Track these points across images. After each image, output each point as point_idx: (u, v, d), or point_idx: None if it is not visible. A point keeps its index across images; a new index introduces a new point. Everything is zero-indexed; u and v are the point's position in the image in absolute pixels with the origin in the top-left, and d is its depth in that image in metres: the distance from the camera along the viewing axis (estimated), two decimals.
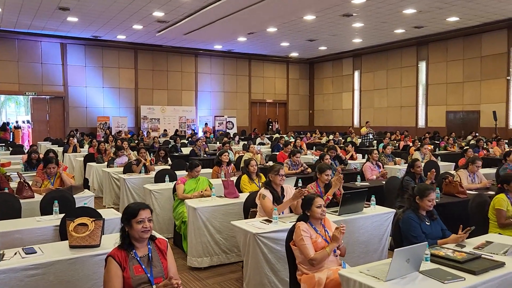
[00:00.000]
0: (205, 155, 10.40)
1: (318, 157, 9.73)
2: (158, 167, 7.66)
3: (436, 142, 14.49)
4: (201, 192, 5.29)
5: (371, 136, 12.97)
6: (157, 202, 5.80)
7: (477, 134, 16.26)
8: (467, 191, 5.23)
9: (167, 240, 2.75)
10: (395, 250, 2.52)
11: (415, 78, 21.59)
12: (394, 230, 3.63)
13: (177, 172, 6.78)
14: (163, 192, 5.85)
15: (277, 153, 9.80)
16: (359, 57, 24.27)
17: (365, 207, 4.40)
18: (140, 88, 21.54)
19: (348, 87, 25.15)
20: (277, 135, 17.73)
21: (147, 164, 7.38)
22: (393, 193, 5.58)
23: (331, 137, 14.80)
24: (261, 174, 5.92)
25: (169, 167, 7.69)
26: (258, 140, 14.12)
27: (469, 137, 15.65)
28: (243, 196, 5.00)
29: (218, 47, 21.56)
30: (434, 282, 2.50)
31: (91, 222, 3.06)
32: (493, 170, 7.42)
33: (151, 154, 10.21)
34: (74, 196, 4.74)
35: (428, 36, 19.68)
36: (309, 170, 7.36)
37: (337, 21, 16.54)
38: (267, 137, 15.54)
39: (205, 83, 23.29)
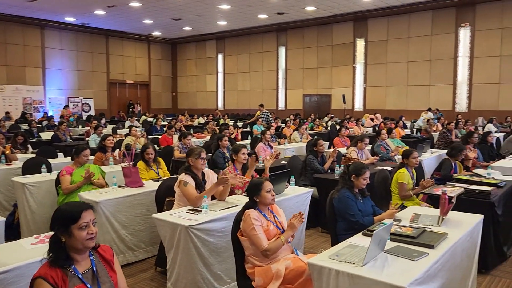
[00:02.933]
0: (71, 140, 9.10)
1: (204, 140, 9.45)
2: (21, 156, 6.34)
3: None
4: (88, 173, 4.45)
5: (265, 118, 13.14)
6: (32, 198, 4.74)
7: (332, 115, 17.89)
8: None
9: (111, 247, 2.14)
10: (374, 232, 2.39)
11: (275, 63, 22.67)
12: (328, 209, 3.57)
13: (51, 161, 5.70)
14: (40, 185, 4.81)
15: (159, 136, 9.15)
16: (222, 40, 24.35)
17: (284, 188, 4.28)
18: None
19: (212, 70, 25.11)
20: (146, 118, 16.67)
21: (6, 152, 6.03)
22: (296, 172, 5.61)
23: (203, 119, 14.52)
24: (160, 159, 5.35)
25: (33, 155, 6.43)
26: (128, 123, 13.01)
27: (326, 118, 17.10)
28: (148, 185, 4.44)
29: (70, 19, 19.12)
30: (405, 260, 2.46)
31: None
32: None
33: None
34: None
35: (287, 23, 20.76)
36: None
37: (204, 0, 16.16)
38: (136, 120, 14.46)
39: (55, 60, 20.50)
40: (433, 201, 4.31)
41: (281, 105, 22.76)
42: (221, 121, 14.87)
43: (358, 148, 6.33)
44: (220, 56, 24.79)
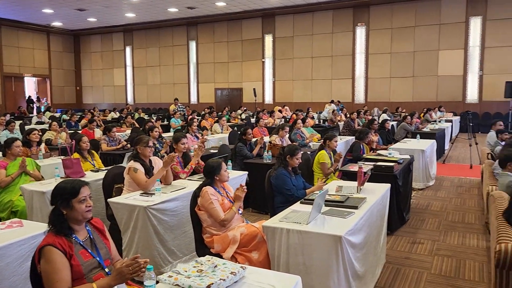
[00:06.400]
0: None
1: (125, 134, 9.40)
2: None
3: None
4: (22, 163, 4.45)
5: (181, 111, 13.35)
6: None
7: (245, 108, 18.59)
8: None
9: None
10: (316, 197, 2.96)
11: (186, 57, 22.73)
12: (267, 186, 4.08)
13: None
14: None
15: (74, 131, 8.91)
16: (130, 33, 23.71)
17: None
18: None
19: (120, 63, 24.33)
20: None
21: None
22: (228, 158, 6.05)
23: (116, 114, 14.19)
24: (94, 152, 5.43)
25: None
26: (35, 119, 12.27)
27: (239, 111, 17.74)
28: (89, 175, 4.56)
29: None
30: (339, 218, 3.06)
31: None
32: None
33: None
34: None
35: (198, 18, 20.97)
36: (129, 145, 7.08)
37: None
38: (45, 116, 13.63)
39: None
40: (348, 177, 5.06)
41: (194, 99, 22.94)
42: (136, 115, 14.69)
43: (279, 136, 6.97)
44: (128, 49, 24.12)
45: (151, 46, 23.43)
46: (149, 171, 4.06)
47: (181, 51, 22.82)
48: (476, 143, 9.46)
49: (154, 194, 3.75)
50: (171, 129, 11.35)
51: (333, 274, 2.75)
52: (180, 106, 13.53)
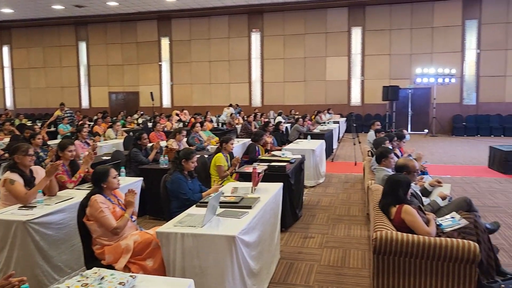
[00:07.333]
0: None
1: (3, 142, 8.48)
2: None
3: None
4: None
5: (69, 116, 12.43)
6: None
7: (142, 112, 18.01)
8: None
9: None
10: (210, 199, 2.97)
11: (75, 58, 21.31)
12: (162, 191, 4.00)
13: None
14: None
15: None
16: (8, 30, 21.50)
17: None
18: None
19: None
20: None
21: None
22: (121, 164, 5.80)
23: None
24: None
25: None
26: None
27: (136, 115, 17.14)
28: None
29: None
30: (233, 219, 3.12)
31: None
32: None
33: None
34: None
35: (87, 17, 19.80)
36: (7, 155, 6.40)
37: None
38: None
39: None
40: (244, 178, 5.19)
41: (85, 103, 21.59)
42: (17, 122, 13.33)
43: (177, 140, 6.88)
44: (5, 49, 21.85)
45: (34, 46, 21.51)
46: (29, 182, 3.71)
47: (69, 52, 21.32)
48: (359, 142, 10.38)
49: (35, 207, 3.44)
50: (59, 136, 10.55)
51: (228, 274, 2.80)
52: (68, 111, 12.63)
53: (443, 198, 4.05)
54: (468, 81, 16.87)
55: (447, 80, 15.69)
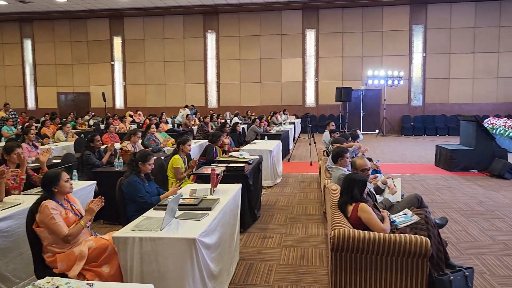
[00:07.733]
0: None
1: None
2: None
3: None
4: None
5: (13, 117, 11.76)
6: None
7: (93, 113, 17.39)
8: None
9: None
10: (169, 202, 2.90)
11: (20, 57, 20.27)
12: (118, 195, 3.87)
13: None
14: None
15: None
16: None
17: None
18: None
19: None
20: None
21: None
22: (73, 167, 5.57)
23: None
24: None
25: None
26: None
27: (87, 117, 16.53)
28: None
29: None
30: (193, 221, 3.07)
31: None
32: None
33: None
34: None
35: (33, 13, 18.90)
36: None
37: None
38: None
39: None
40: (202, 180, 5.14)
41: (31, 104, 20.58)
42: None
43: (132, 142, 6.70)
44: None
45: None
46: None
47: (13, 50, 20.24)
48: (315, 142, 10.59)
49: None
50: (3, 138, 10.00)
51: (188, 278, 2.76)
52: (12, 112, 11.99)
53: (391, 188, 4.26)
54: (416, 83, 17.68)
55: (396, 82, 16.37)
